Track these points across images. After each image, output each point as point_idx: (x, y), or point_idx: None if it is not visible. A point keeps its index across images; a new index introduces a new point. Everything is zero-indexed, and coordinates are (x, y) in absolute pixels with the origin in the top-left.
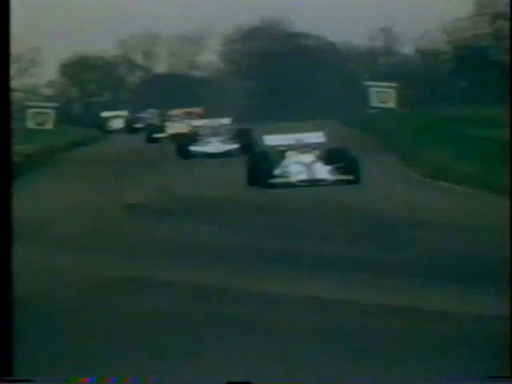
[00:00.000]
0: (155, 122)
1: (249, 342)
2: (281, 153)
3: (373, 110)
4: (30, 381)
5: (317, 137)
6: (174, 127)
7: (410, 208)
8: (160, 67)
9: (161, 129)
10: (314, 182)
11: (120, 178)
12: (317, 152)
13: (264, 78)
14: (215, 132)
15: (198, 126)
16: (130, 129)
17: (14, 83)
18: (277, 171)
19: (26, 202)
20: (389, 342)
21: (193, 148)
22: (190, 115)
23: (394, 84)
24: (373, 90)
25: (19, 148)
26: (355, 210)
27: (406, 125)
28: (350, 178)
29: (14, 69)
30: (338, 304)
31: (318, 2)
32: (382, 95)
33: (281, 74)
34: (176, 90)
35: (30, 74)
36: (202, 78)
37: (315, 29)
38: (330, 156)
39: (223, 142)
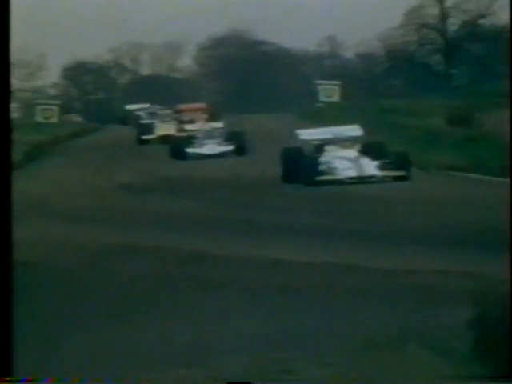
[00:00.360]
0: (153, 117)
1: (221, 297)
2: (318, 147)
3: (321, 104)
4: (30, 381)
5: (353, 130)
6: (164, 128)
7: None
8: (145, 70)
9: (150, 130)
10: (363, 179)
11: (113, 162)
12: (358, 146)
13: (232, 78)
14: (209, 135)
15: (191, 130)
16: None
17: (25, 85)
18: (321, 167)
19: (35, 183)
20: (333, 294)
21: (189, 150)
22: (195, 111)
23: (337, 82)
24: (320, 87)
25: (30, 138)
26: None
27: (348, 115)
28: (402, 174)
29: (24, 73)
30: (293, 264)
31: (275, 16)
32: (328, 91)
33: (246, 75)
34: (158, 89)
35: (37, 77)
36: (180, 79)
37: (274, 37)
38: (372, 150)
39: (218, 143)
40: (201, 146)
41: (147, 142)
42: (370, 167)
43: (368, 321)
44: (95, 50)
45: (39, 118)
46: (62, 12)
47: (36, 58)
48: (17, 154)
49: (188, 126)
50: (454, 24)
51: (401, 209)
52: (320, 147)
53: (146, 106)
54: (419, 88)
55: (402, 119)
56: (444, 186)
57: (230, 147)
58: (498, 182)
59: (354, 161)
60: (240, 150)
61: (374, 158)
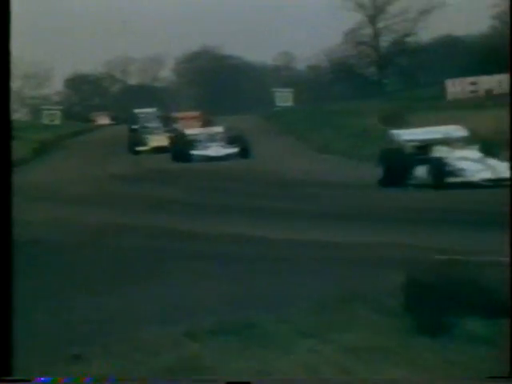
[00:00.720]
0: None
1: (197, 267)
2: (421, 148)
3: (278, 108)
4: (30, 381)
5: (459, 130)
6: (156, 140)
7: (305, 172)
8: (133, 80)
9: (142, 141)
10: (498, 182)
11: (106, 156)
12: (473, 146)
13: (205, 87)
14: (211, 138)
15: (192, 134)
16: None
17: (34, 93)
18: (447, 168)
19: (41, 173)
20: (294, 263)
21: (194, 152)
22: (189, 119)
23: (291, 89)
24: (277, 93)
25: (37, 137)
26: (265, 174)
27: (301, 117)
28: None
29: (33, 83)
30: (257, 239)
31: (240, 35)
32: (284, 97)
33: (217, 84)
34: (144, 96)
35: (44, 87)
36: (162, 88)
37: (239, 52)
38: (491, 151)
39: (222, 146)
40: (205, 148)
41: (140, 152)
42: (503, 169)
43: (321, 285)
44: (91, 64)
45: (45, 121)
46: (64, 31)
47: (43, 71)
48: (27, 150)
49: (188, 130)
50: (385, 41)
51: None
52: (424, 148)
53: (152, 109)
54: (358, 94)
55: (343, 119)
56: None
57: (235, 149)
58: None
59: (482, 162)
60: (245, 153)
61: (493, 158)
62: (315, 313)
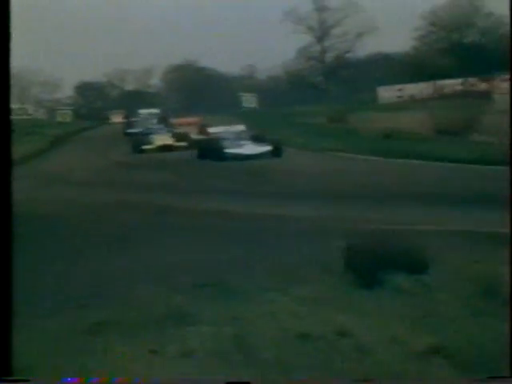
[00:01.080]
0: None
1: (185, 236)
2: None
3: (244, 109)
4: (29, 381)
5: (242, 127)
6: (161, 139)
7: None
8: (129, 86)
9: (147, 140)
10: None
11: (110, 147)
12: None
13: (186, 92)
14: (238, 136)
15: (214, 133)
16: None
17: (49, 97)
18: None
19: (54, 162)
20: (253, 234)
21: (229, 150)
22: (188, 123)
23: (255, 95)
24: (243, 98)
25: (53, 132)
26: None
27: (263, 117)
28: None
29: (49, 89)
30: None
31: (214, 50)
32: (249, 101)
33: (195, 90)
34: (137, 100)
35: (58, 92)
36: (153, 93)
37: (213, 65)
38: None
39: (256, 144)
40: (239, 146)
41: (146, 151)
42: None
43: (279, 252)
44: (95, 74)
45: (58, 119)
46: (73, 47)
47: (56, 79)
48: (44, 143)
49: (211, 129)
50: (330, 57)
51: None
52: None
53: (156, 110)
54: (309, 99)
55: (298, 119)
56: (327, 161)
57: (269, 148)
58: (362, 159)
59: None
60: (278, 151)
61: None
62: (275, 272)
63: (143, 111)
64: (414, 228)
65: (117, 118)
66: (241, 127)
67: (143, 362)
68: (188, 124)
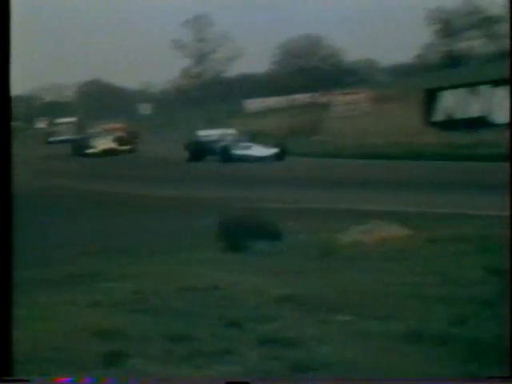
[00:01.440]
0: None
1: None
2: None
3: (140, 116)
4: (29, 381)
5: (231, 131)
6: (104, 143)
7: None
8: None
9: (88, 144)
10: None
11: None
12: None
13: (95, 105)
14: (239, 139)
15: (207, 135)
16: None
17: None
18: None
19: None
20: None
21: (238, 152)
22: (110, 131)
23: (150, 104)
24: (140, 107)
25: None
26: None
27: (156, 121)
28: None
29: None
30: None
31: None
32: (144, 109)
33: (102, 102)
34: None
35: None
36: (69, 103)
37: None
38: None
39: (264, 147)
40: (248, 148)
41: (89, 155)
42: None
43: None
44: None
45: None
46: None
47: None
48: None
49: (201, 132)
50: (207, 76)
51: None
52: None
53: (72, 119)
54: (192, 109)
55: (185, 125)
56: None
57: (276, 150)
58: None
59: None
60: (283, 154)
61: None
62: (167, 240)
63: (61, 120)
64: (271, 206)
65: (41, 124)
66: (231, 130)
67: (61, 310)
68: (113, 130)
